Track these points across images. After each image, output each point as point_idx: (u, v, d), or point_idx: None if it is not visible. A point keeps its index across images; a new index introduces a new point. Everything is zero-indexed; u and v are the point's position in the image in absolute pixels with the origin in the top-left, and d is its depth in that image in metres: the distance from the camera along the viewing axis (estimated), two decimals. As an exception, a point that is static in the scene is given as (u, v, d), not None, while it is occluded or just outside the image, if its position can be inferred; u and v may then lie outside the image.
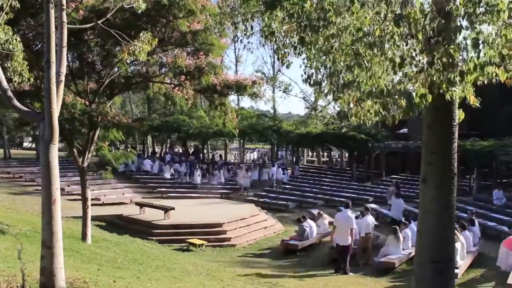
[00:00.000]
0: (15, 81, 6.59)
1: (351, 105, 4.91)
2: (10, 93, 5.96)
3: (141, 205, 17.28)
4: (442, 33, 4.08)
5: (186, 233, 14.61)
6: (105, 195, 20.68)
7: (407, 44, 4.35)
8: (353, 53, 4.46)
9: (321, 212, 16.32)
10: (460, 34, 4.09)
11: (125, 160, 15.19)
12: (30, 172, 25.12)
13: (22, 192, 20.69)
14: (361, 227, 12.56)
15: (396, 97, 4.56)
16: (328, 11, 4.39)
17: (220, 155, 37.06)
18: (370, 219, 13.00)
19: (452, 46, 4.05)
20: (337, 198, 22.17)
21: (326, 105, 40.93)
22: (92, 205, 12.85)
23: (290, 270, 11.70)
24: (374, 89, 4.55)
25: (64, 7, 5.96)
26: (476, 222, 13.53)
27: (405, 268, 11.29)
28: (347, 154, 35.04)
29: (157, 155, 33.84)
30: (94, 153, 13.42)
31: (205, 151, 37.39)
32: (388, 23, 4.37)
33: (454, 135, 5.14)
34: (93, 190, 18.61)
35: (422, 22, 4.09)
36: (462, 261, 10.92)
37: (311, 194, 23.13)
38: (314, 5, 4.49)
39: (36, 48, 11.30)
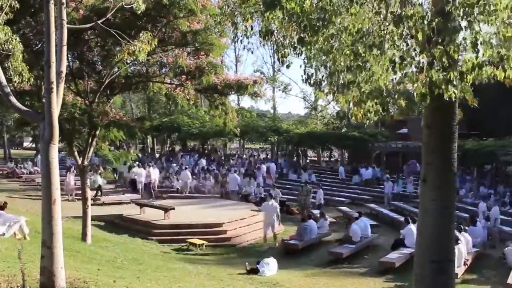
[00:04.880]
0: (15, 81, 6.58)
1: (351, 105, 4.92)
2: (10, 93, 5.96)
3: (141, 205, 17.27)
4: (441, 33, 4.08)
5: (186, 233, 14.57)
6: (105, 195, 20.68)
7: (407, 45, 4.35)
8: (353, 53, 4.46)
9: (324, 212, 16.31)
10: (459, 34, 4.09)
11: (125, 159, 15.20)
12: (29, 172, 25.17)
13: (22, 192, 20.68)
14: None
15: (396, 97, 4.56)
16: (328, 12, 4.40)
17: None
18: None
19: (451, 46, 4.05)
20: (337, 198, 22.17)
21: (326, 105, 40.95)
22: (92, 205, 12.84)
23: (290, 270, 11.69)
24: (374, 89, 4.55)
25: (64, 5, 5.95)
26: (478, 223, 13.53)
27: (405, 268, 11.27)
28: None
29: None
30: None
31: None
32: (387, 24, 4.37)
33: (454, 135, 5.15)
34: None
35: (421, 22, 4.09)
36: (463, 261, 10.91)
37: (311, 194, 23.06)
38: (314, 5, 4.49)
39: (36, 47, 11.29)
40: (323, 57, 4.81)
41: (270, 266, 10.94)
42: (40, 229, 5.74)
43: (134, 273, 8.57)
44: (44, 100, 5.74)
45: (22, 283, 5.48)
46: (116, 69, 12.33)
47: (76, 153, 12.07)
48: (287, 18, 4.67)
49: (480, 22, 3.99)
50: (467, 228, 13.02)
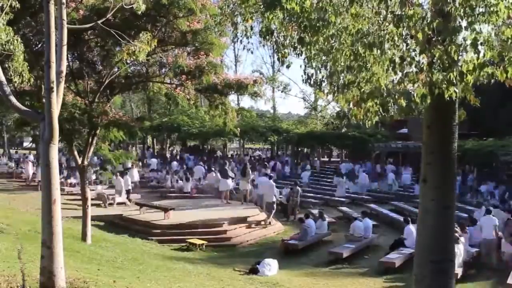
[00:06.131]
0: (15, 82, 6.59)
1: (351, 105, 4.91)
2: (10, 93, 5.97)
3: (141, 205, 17.27)
4: (441, 33, 4.08)
5: (186, 233, 14.58)
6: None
7: (407, 45, 4.35)
8: (353, 53, 4.46)
9: (322, 212, 16.30)
10: (459, 34, 4.09)
11: (125, 159, 15.19)
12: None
13: (22, 192, 20.69)
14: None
15: (396, 97, 4.56)
16: (328, 12, 4.40)
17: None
18: None
19: (451, 46, 4.05)
20: (337, 198, 22.16)
21: (326, 105, 40.99)
22: (92, 205, 12.84)
23: (290, 270, 11.69)
24: (374, 89, 4.55)
25: (64, 5, 5.95)
26: (478, 222, 13.48)
27: (405, 268, 11.27)
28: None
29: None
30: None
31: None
32: (387, 24, 4.37)
33: (454, 135, 5.15)
34: (93, 190, 18.58)
35: (421, 22, 4.09)
36: (463, 261, 10.90)
37: (311, 194, 23.10)
38: (314, 5, 4.49)
39: (36, 48, 11.29)
40: (323, 57, 4.81)
41: (270, 266, 10.94)
42: (40, 229, 5.74)
43: (134, 273, 8.57)
44: (44, 100, 5.75)
45: (22, 283, 5.48)
46: (116, 69, 12.32)
47: (76, 153, 12.07)
48: (287, 18, 4.67)
49: (480, 23, 3.99)
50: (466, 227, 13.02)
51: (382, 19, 4.38)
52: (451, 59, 4.08)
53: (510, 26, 4.10)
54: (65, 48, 5.91)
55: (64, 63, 5.97)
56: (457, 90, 4.29)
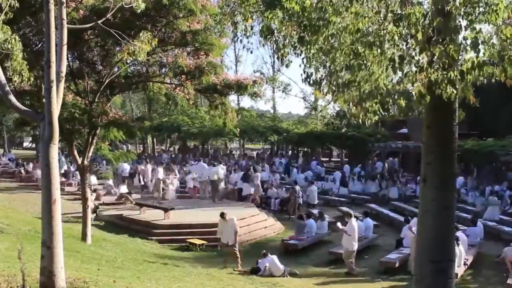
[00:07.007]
0: (15, 81, 6.58)
1: (351, 105, 4.91)
2: (9, 92, 5.97)
3: (141, 205, 17.26)
4: (441, 32, 4.08)
5: (186, 233, 14.57)
6: (105, 195, 20.65)
7: (407, 44, 4.34)
8: (353, 52, 4.45)
9: (322, 213, 16.29)
10: (459, 33, 4.09)
11: (125, 159, 15.19)
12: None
13: (22, 192, 20.68)
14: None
15: (396, 97, 4.56)
16: (328, 11, 4.39)
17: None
18: None
19: (451, 46, 4.05)
20: (337, 198, 22.15)
21: (326, 105, 40.99)
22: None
23: (290, 270, 11.67)
24: (373, 89, 4.54)
25: (64, 5, 5.96)
26: (479, 223, 13.50)
27: (405, 268, 11.27)
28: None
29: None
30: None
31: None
32: (387, 23, 4.36)
33: (454, 135, 5.14)
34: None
35: (421, 22, 4.08)
36: (463, 261, 10.90)
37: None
38: (314, 4, 4.49)
39: (36, 47, 11.29)
40: (323, 57, 4.80)
41: (268, 266, 10.96)
42: (40, 229, 5.74)
43: (134, 273, 8.57)
44: (44, 100, 5.75)
45: (22, 283, 5.48)
46: (116, 69, 12.33)
47: (76, 153, 12.08)
48: (287, 17, 4.67)
49: (480, 22, 3.99)
50: (465, 228, 13.04)
51: (382, 18, 4.38)
52: (451, 58, 4.08)
53: (510, 25, 4.09)
54: (65, 48, 5.91)
55: (64, 63, 5.98)
56: (455, 90, 4.29)
